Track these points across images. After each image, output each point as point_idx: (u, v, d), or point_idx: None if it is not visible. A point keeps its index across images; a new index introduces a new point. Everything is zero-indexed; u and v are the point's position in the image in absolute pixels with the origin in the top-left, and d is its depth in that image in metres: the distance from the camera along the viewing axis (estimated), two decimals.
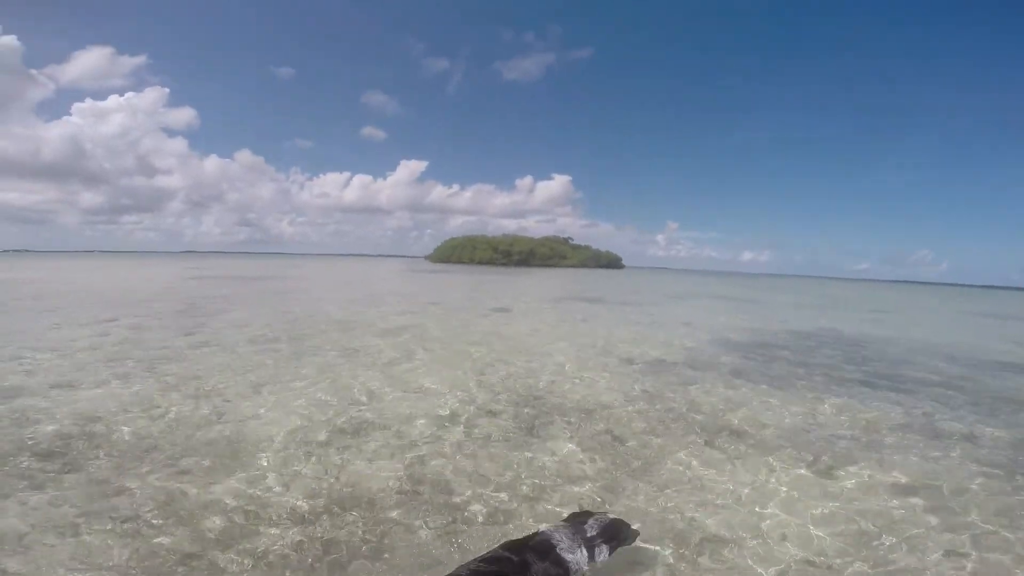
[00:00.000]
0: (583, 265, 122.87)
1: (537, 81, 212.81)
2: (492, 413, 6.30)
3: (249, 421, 5.78)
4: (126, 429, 5.42)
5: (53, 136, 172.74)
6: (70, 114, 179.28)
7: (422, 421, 5.88)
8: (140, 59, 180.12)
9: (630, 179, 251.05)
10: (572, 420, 6.17)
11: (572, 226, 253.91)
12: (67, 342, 9.97)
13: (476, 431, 5.64)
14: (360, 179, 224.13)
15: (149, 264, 67.76)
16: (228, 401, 6.48)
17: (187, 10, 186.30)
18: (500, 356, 9.84)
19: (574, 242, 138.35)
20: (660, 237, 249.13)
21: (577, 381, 8.23)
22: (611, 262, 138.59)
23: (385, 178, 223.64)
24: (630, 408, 6.76)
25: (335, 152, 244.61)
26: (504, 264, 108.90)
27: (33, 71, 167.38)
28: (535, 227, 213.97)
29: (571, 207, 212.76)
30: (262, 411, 6.14)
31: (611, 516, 3.19)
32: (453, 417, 6.09)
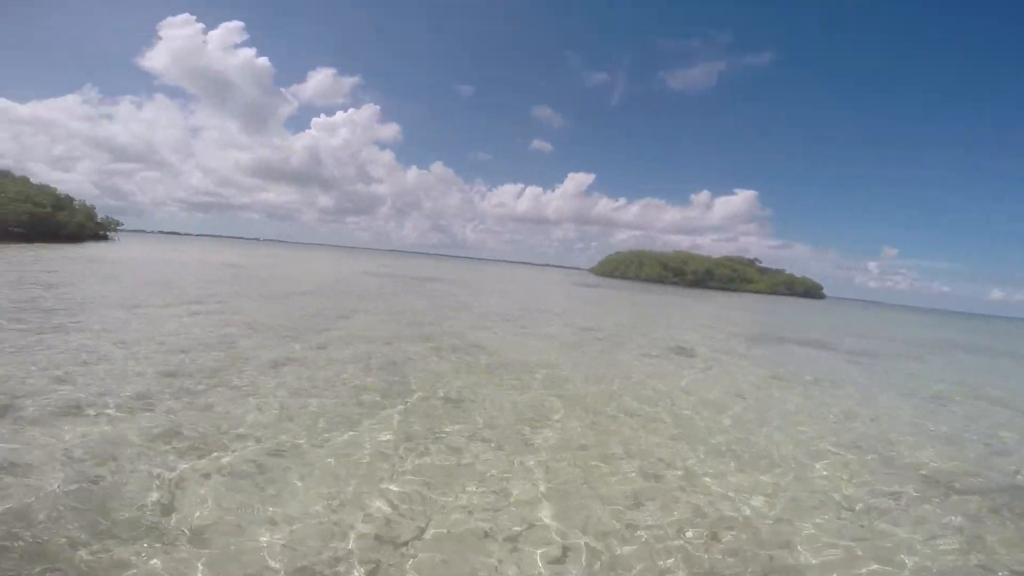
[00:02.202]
0: (773, 292, 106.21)
1: (708, 90, 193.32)
2: None
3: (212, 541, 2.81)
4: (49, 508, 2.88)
5: (298, 147, 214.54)
6: (310, 128, 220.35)
7: None
8: (356, 79, 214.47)
9: (833, 196, 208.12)
10: None
11: (758, 246, 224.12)
12: (168, 336, 8.74)
13: None
14: (531, 190, 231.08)
15: (353, 259, 76.84)
16: (221, 485, 3.67)
17: (388, 35, 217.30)
18: (690, 456, 5.66)
19: (762, 264, 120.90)
20: (872, 265, 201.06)
21: (876, 552, 3.74)
22: (809, 291, 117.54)
23: (553, 190, 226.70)
24: None
25: (509, 164, 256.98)
26: (675, 283, 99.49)
27: (282, 90, 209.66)
28: (711, 246, 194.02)
29: (756, 225, 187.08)
30: (260, 524, 3.16)
31: None
32: None
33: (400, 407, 6.32)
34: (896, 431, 7.53)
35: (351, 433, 5.32)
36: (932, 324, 50.62)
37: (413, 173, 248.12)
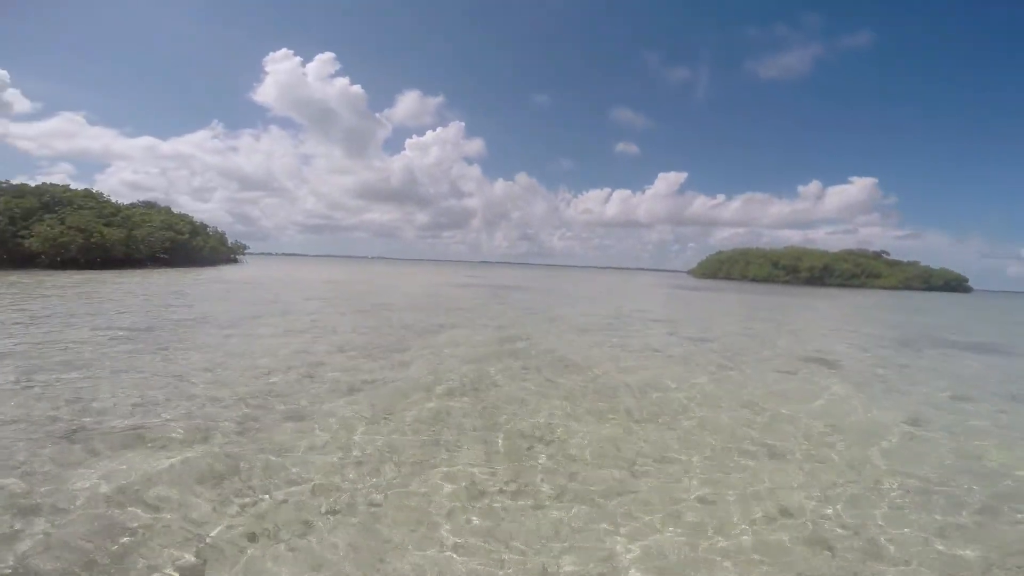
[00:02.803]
0: (905, 287, 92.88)
1: (804, 77, 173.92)
2: None
3: None
4: None
5: (396, 168, 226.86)
6: (404, 148, 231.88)
7: None
8: (439, 99, 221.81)
9: (972, 177, 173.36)
10: None
11: (882, 238, 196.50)
12: (256, 355, 8.50)
13: None
14: (619, 194, 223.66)
15: (446, 271, 79.19)
16: (258, 545, 2.84)
17: (463, 52, 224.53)
18: (864, 511, 3.95)
19: (890, 257, 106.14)
20: None
21: None
22: (951, 283, 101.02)
23: (643, 192, 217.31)
24: None
25: (593, 169, 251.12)
26: (787, 282, 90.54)
27: (376, 114, 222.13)
28: (826, 239, 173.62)
29: (879, 215, 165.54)
30: None
31: None
32: None
33: (479, 449, 5.26)
34: None
35: (417, 481, 4.33)
36: None
37: (500, 185, 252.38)
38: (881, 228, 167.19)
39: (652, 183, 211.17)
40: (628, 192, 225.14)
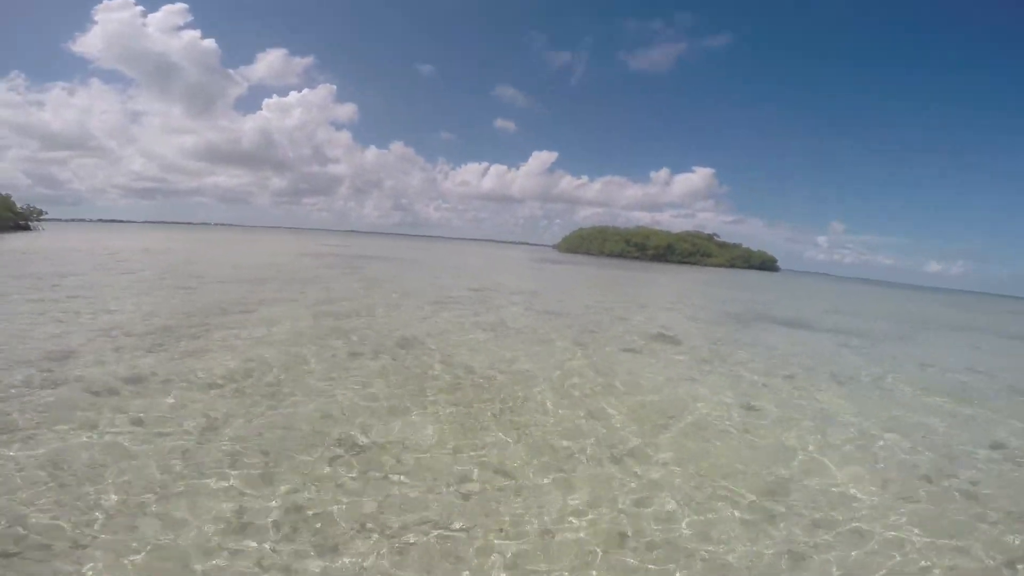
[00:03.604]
0: (731, 265, 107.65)
1: (668, 71, 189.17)
2: None
3: None
4: None
5: (249, 128, 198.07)
6: (261, 109, 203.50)
7: None
8: (309, 60, 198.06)
9: (786, 173, 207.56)
10: None
11: (713, 222, 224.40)
12: None
13: None
14: (495, 168, 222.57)
15: (303, 239, 72.26)
16: None
17: (344, 15, 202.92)
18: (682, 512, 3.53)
19: (719, 239, 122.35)
20: (821, 239, 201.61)
21: None
22: (765, 264, 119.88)
23: (518, 168, 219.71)
24: None
25: (473, 143, 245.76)
26: (637, 258, 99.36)
27: (230, 71, 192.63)
28: (670, 221, 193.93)
29: (714, 202, 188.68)
30: None
31: None
32: None
33: (256, 461, 3.92)
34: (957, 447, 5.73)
35: (167, 535, 2.90)
36: (891, 297, 51.59)
37: (372, 153, 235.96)
38: (714, 213, 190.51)
39: (526, 160, 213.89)
40: (504, 167, 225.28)
